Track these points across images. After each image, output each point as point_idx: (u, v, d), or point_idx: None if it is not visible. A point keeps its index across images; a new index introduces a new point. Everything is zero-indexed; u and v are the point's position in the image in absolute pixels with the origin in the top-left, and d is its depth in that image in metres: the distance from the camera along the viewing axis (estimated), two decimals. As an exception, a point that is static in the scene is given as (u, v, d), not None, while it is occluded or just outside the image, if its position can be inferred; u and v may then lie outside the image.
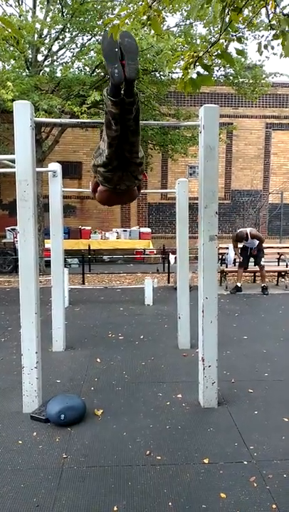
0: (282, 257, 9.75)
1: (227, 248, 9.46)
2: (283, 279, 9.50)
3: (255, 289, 8.86)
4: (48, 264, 6.63)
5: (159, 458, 2.90)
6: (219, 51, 2.46)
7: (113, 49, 2.83)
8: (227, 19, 2.43)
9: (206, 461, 2.86)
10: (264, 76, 10.56)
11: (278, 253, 9.97)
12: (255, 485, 2.61)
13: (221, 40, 2.44)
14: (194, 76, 2.43)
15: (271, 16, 2.50)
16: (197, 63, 2.44)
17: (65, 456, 2.93)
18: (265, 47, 2.60)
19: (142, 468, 2.79)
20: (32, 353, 3.47)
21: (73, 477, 2.71)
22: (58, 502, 2.47)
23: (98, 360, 4.77)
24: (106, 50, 2.86)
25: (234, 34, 2.46)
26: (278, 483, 2.62)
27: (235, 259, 9.08)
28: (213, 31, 9.27)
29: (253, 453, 2.96)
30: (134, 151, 3.11)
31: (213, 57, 2.56)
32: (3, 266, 11.23)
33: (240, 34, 2.57)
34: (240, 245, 8.67)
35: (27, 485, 2.62)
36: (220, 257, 9.35)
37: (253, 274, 9.51)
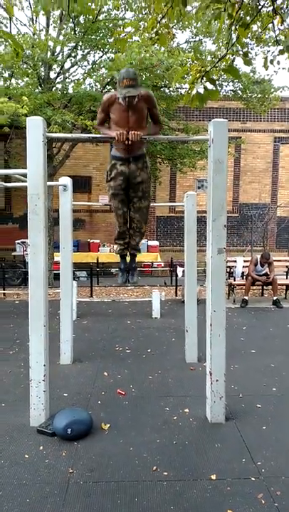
0: (291, 270, 9.68)
1: (235, 261, 9.42)
2: (292, 293, 9.40)
3: (264, 302, 8.78)
4: (56, 276, 6.64)
5: (166, 474, 2.87)
6: (226, 66, 2.49)
7: None
8: (235, 35, 2.46)
9: (213, 477, 2.82)
10: (272, 90, 10.64)
11: (287, 266, 9.90)
12: (263, 502, 2.56)
13: (227, 55, 2.48)
14: (201, 91, 2.45)
15: (278, 31, 2.53)
16: (204, 78, 2.47)
17: (71, 470, 2.90)
18: (271, 62, 2.63)
19: (148, 484, 2.76)
20: (40, 365, 3.47)
21: (79, 492, 2.68)
22: (63, 517, 2.44)
23: (105, 373, 4.74)
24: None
25: (241, 49, 2.49)
26: (287, 500, 2.57)
27: (243, 273, 9.04)
28: (222, 47, 9.38)
29: (260, 469, 2.91)
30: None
31: (220, 72, 2.60)
32: (12, 278, 11.27)
33: (247, 49, 2.60)
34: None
35: (33, 500, 2.60)
36: (228, 270, 9.31)
37: (261, 288, 9.44)
